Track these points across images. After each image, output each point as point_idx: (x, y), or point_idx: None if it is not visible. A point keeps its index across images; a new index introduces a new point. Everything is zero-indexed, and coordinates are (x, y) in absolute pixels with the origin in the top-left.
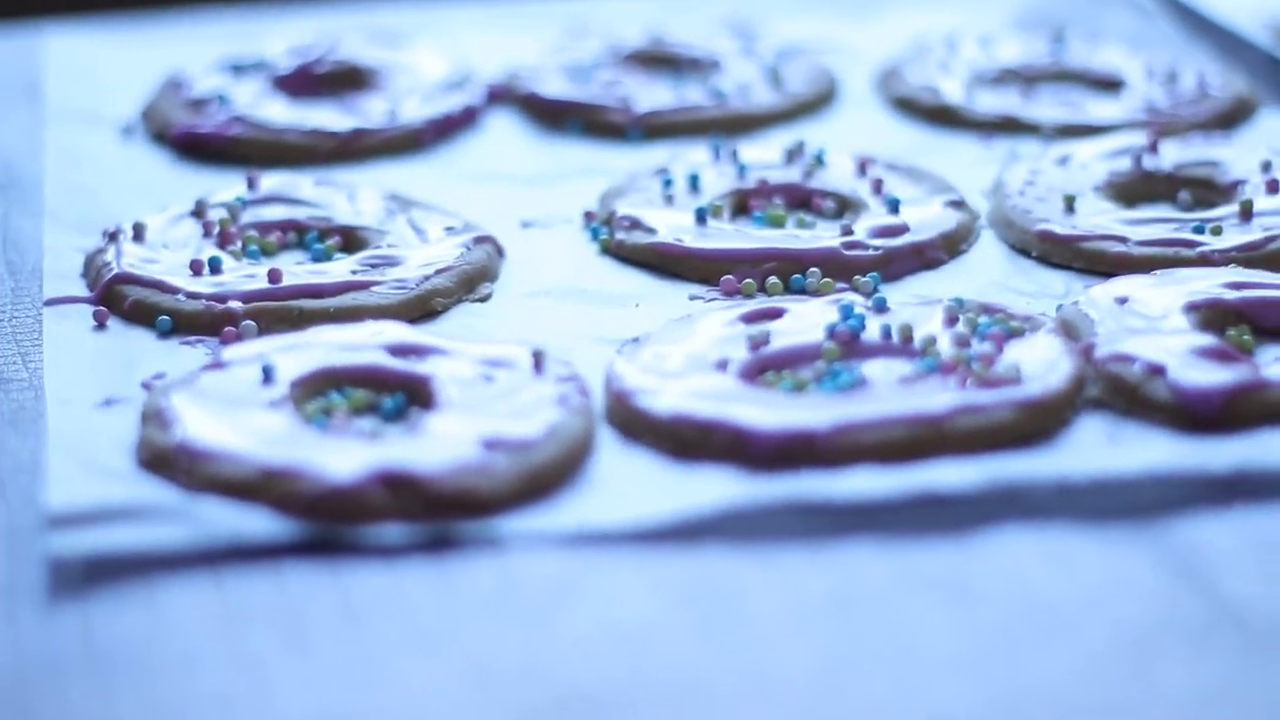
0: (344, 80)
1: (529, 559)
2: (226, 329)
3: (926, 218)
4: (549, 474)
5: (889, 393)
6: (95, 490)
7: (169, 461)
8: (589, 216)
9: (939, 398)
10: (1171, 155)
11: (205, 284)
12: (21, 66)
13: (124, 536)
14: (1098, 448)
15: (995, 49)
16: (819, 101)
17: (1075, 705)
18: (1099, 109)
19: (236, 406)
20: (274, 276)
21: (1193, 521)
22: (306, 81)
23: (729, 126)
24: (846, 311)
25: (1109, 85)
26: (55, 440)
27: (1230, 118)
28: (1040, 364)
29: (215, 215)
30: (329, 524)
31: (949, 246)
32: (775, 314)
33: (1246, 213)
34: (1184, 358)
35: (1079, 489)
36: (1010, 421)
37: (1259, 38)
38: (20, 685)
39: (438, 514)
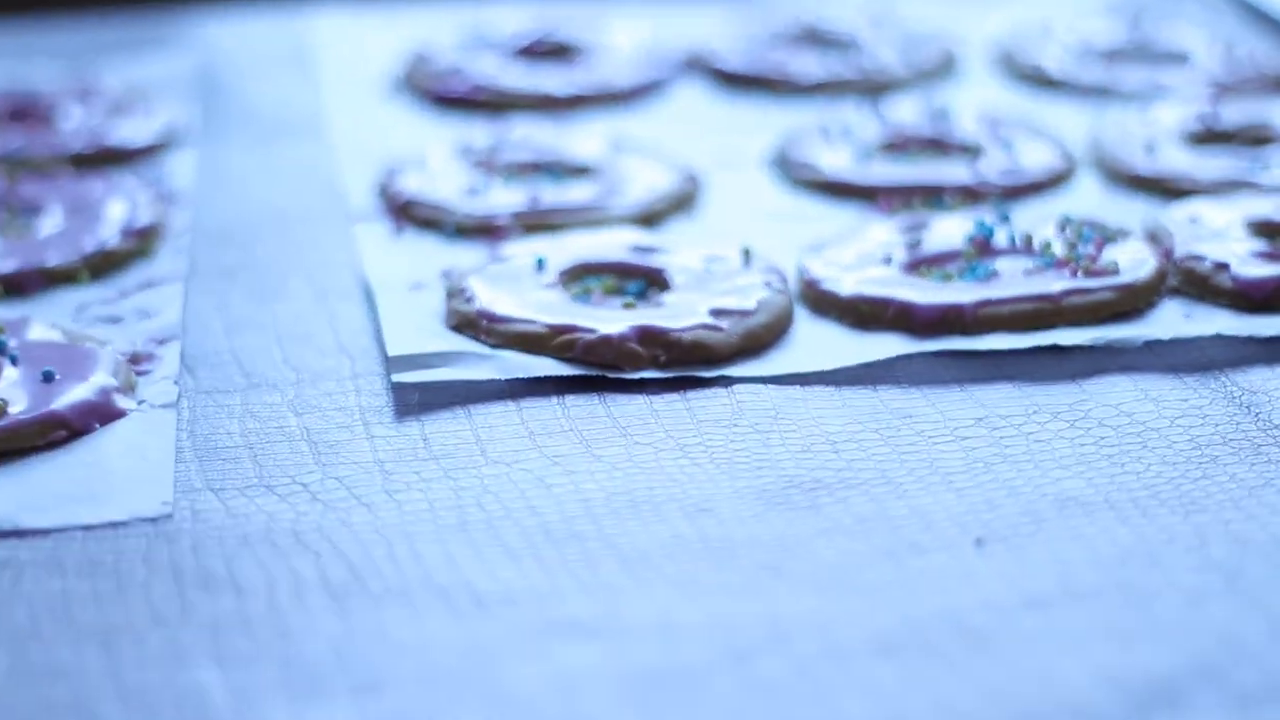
0: (562, 53)
1: (750, 392)
2: (498, 234)
3: (1037, 158)
4: (761, 335)
5: (1016, 281)
6: (420, 342)
7: (472, 323)
8: (770, 157)
9: (1055, 284)
10: (1230, 113)
11: (478, 203)
12: (295, 43)
13: (446, 374)
14: (1176, 321)
15: (1082, 30)
16: (941, 71)
17: (1161, 496)
18: (1171, 78)
19: (518, 286)
20: (533, 199)
21: (1247, 371)
22: (533, 53)
23: (871, 90)
24: (980, 223)
25: (1179, 59)
26: (384, 309)
27: (1278, 84)
28: (1132, 261)
29: (479, 153)
30: (598, 367)
31: (1055, 181)
32: (924, 225)
33: None
34: (1242, 257)
35: (1162, 346)
36: (1110, 301)
37: None
38: (382, 471)
39: (680, 363)
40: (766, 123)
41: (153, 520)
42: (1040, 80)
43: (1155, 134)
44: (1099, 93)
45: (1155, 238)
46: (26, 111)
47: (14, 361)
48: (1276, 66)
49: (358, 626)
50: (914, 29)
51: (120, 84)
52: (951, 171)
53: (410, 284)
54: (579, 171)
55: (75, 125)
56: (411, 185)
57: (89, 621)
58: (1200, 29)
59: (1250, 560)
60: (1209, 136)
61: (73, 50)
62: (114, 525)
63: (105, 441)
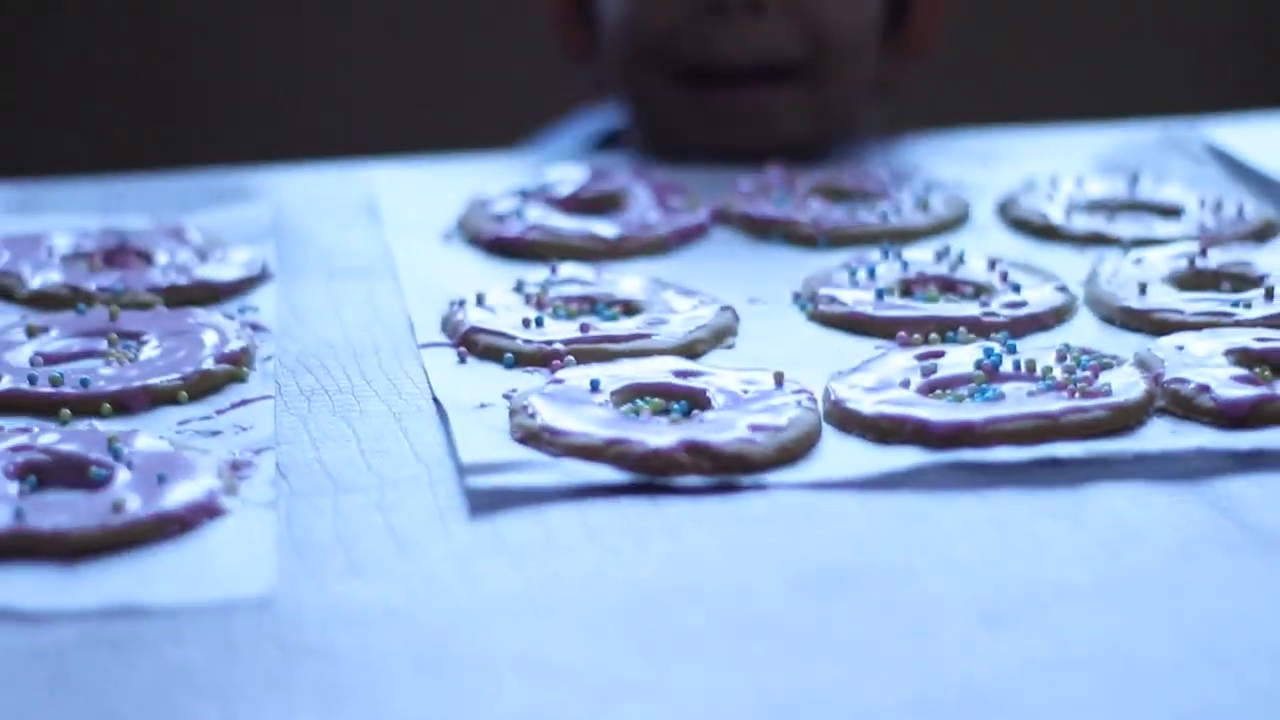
0: (604, 202)
1: (784, 495)
2: (554, 362)
3: (1040, 297)
4: (793, 448)
5: (1020, 401)
6: (490, 452)
7: (535, 436)
8: (797, 295)
9: (1055, 404)
10: (1216, 258)
11: (533, 334)
12: (361, 192)
13: (515, 479)
14: (1163, 436)
15: (1086, 186)
16: (956, 222)
17: (1148, 584)
18: (1163, 229)
19: (575, 404)
20: (584, 328)
21: (1226, 480)
22: (577, 203)
23: (892, 238)
24: (988, 352)
25: (1171, 212)
26: (455, 424)
27: (1261, 234)
28: (1124, 384)
29: (532, 290)
30: (649, 475)
31: (1056, 317)
32: (938, 355)
33: (1269, 294)
34: (1223, 381)
35: (1151, 459)
36: (1104, 419)
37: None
38: (459, 561)
39: (721, 471)
40: (795, 263)
41: (258, 601)
42: (1045, 230)
43: (1147, 276)
44: (1098, 241)
45: (1145, 365)
46: (122, 254)
47: (129, 466)
48: (1258, 219)
49: (444, 691)
50: (933, 183)
51: (206, 229)
52: (963, 309)
53: (476, 404)
54: (625, 307)
55: (166, 265)
56: (473, 317)
57: (207, 685)
58: (1192, 186)
59: (1227, 639)
60: (1196, 279)
61: (162, 202)
62: (224, 606)
63: (213, 535)
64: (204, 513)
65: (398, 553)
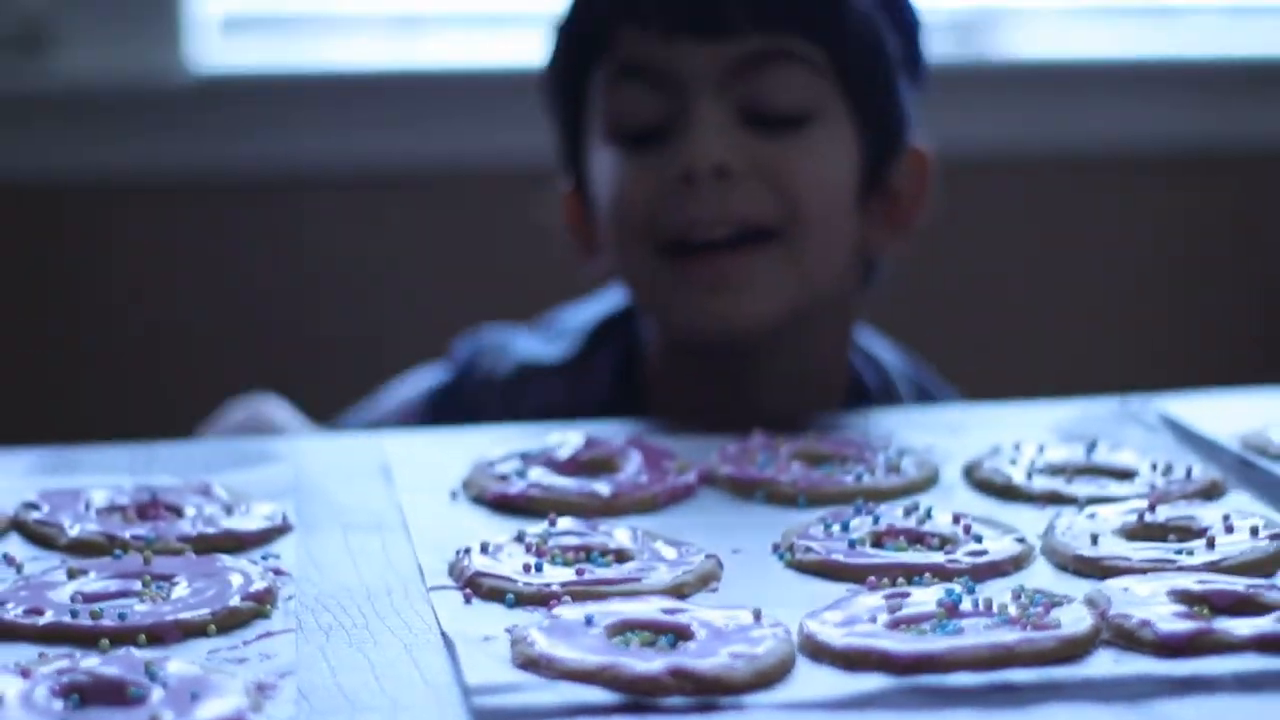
0: (600, 465)
1: (761, 715)
2: (552, 602)
3: (999, 547)
4: (769, 673)
5: (978, 634)
6: (494, 676)
7: (534, 662)
8: (776, 546)
9: (1009, 635)
10: (1164, 513)
11: (533, 577)
12: (374, 456)
13: (516, 700)
14: (1108, 664)
15: (1046, 452)
16: (926, 483)
17: None
18: (1117, 489)
19: (571, 636)
20: (579, 572)
21: (1165, 701)
22: (575, 465)
23: (866, 496)
24: (949, 592)
25: (1125, 475)
26: (461, 652)
27: (1207, 493)
28: (1073, 619)
29: (532, 540)
30: (637, 696)
31: (1014, 564)
32: (904, 595)
33: (1210, 544)
34: (1163, 616)
35: (1097, 684)
36: (1054, 649)
37: (1229, 444)
38: None
39: (704, 693)
40: (778, 521)
41: None
42: (1007, 490)
43: (1100, 529)
44: (1055, 500)
45: (1093, 603)
46: (154, 508)
47: (164, 686)
48: (1204, 480)
49: None
50: (905, 449)
51: (231, 487)
52: (929, 557)
53: (481, 636)
54: (618, 555)
55: (195, 517)
56: (477, 563)
57: None
58: (1145, 453)
59: None
60: (1145, 532)
61: (190, 466)
62: None
63: None
64: None
65: None
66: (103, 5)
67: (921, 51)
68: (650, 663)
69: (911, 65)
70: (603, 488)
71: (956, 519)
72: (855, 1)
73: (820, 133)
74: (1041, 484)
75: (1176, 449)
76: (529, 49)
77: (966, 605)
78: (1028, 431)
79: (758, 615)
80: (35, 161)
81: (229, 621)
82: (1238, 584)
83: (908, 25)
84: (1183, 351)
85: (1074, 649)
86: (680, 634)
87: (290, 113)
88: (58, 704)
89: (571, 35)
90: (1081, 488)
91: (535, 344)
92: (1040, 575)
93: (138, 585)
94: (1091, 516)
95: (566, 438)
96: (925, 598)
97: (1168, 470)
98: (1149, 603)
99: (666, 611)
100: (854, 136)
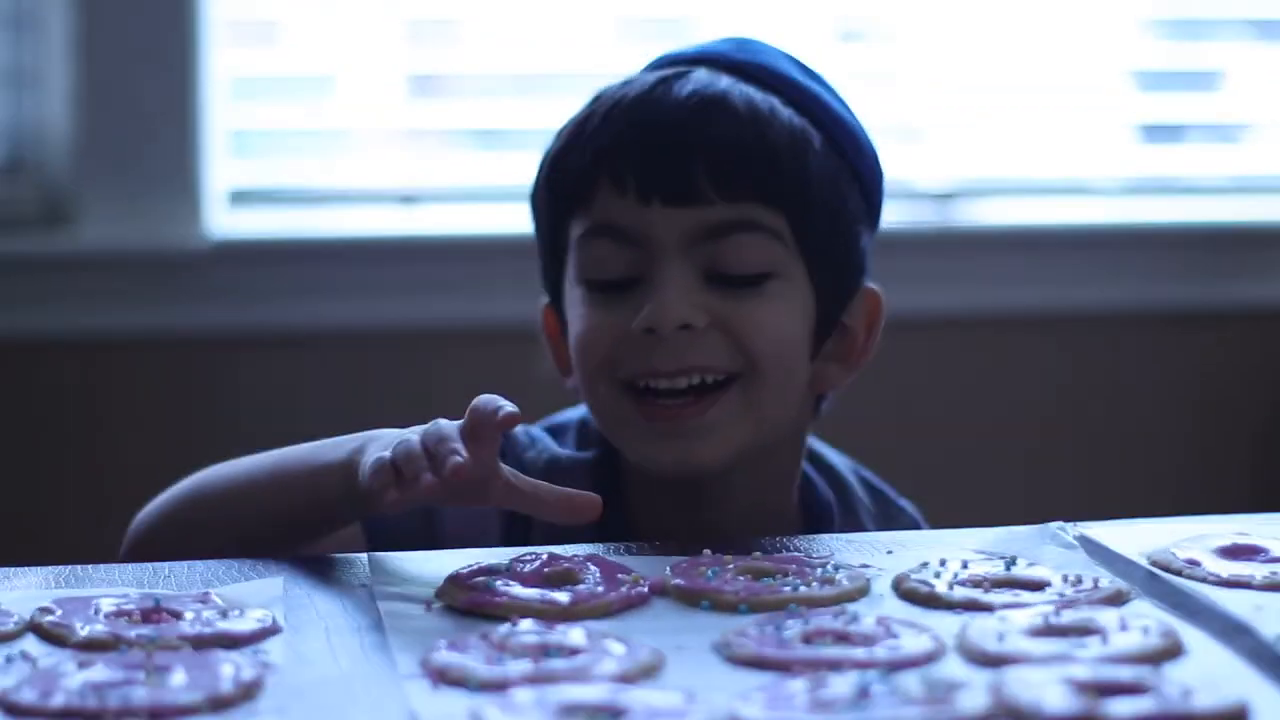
0: (561, 578)
1: None
2: (509, 687)
3: (915, 644)
4: None
5: (884, 713)
6: None
7: None
8: (716, 644)
9: (912, 713)
10: (1068, 617)
11: (495, 667)
12: (354, 573)
13: None
14: None
15: (970, 567)
16: (858, 593)
17: None
18: (1029, 598)
19: (523, 714)
20: (536, 664)
21: None
22: (539, 578)
23: (801, 603)
24: (864, 678)
25: (1039, 586)
26: None
27: (1111, 601)
28: (971, 700)
29: (496, 637)
30: None
31: (928, 659)
32: (824, 683)
33: (1104, 640)
34: (1054, 698)
35: None
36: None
37: (1138, 560)
38: None
39: None
40: (721, 624)
41: None
42: (929, 599)
43: (1007, 630)
44: (973, 607)
45: (993, 688)
46: (156, 613)
47: None
48: (1111, 589)
49: None
50: (840, 564)
51: (226, 596)
52: (850, 652)
53: (445, 714)
54: (572, 651)
55: (193, 619)
56: (444, 656)
57: None
58: (1059, 567)
59: None
60: (1048, 632)
61: (190, 581)
62: None
63: None
64: None
65: None
66: (123, 179)
67: (881, 201)
68: None
69: (871, 216)
70: (562, 596)
71: (880, 621)
72: (817, 170)
73: (777, 289)
74: (961, 593)
75: (1088, 564)
76: (521, 219)
77: (879, 690)
78: (955, 551)
79: (690, 696)
80: (62, 322)
81: (220, 704)
82: (1124, 673)
83: (869, 180)
84: (1118, 487)
85: None
86: (619, 713)
87: (299, 276)
88: None
89: (551, 186)
90: (997, 597)
91: (553, 442)
92: (951, 669)
93: (141, 675)
94: (1002, 619)
95: (532, 554)
96: (842, 685)
97: (1078, 581)
98: (1043, 687)
99: (609, 695)
100: (810, 289)
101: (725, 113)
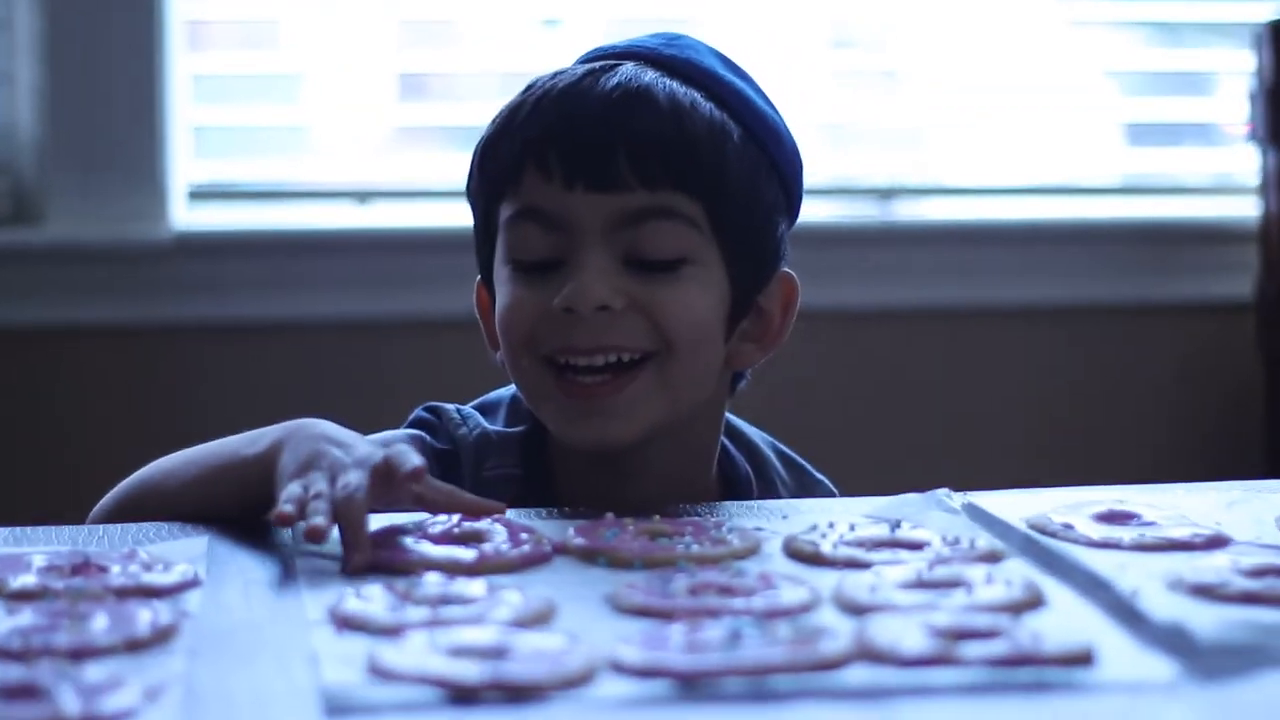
0: (469, 537)
1: (559, 707)
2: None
3: (793, 596)
4: (572, 678)
5: (752, 653)
6: (348, 678)
7: (384, 672)
8: (607, 596)
9: (778, 653)
10: (940, 573)
11: (395, 613)
12: (275, 534)
13: (365, 694)
14: (860, 676)
15: (856, 530)
16: (747, 552)
17: None
18: (908, 556)
19: (416, 653)
20: (434, 611)
21: (900, 702)
22: (448, 537)
23: (691, 560)
24: (736, 623)
25: (918, 546)
26: (324, 662)
27: (985, 559)
28: (834, 643)
29: (400, 588)
30: (461, 694)
31: (803, 610)
32: (700, 628)
33: (969, 592)
34: (912, 641)
35: (847, 689)
36: (813, 663)
37: (1016, 525)
38: None
39: (516, 695)
40: (615, 580)
41: None
42: (814, 558)
43: (880, 584)
44: (854, 565)
45: (858, 632)
46: (85, 568)
47: (75, 686)
48: (987, 548)
49: None
50: (734, 527)
51: (153, 553)
52: (730, 603)
53: (344, 654)
54: (472, 601)
55: (119, 573)
56: (350, 604)
57: None
58: (941, 530)
59: None
60: (919, 584)
61: (124, 540)
62: None
63: None
64: None
65: None
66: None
67: (800, 192)
68: (473, 670)
69: (790, 206)
70: (467, 554)
71: (762, 576)
72: (735, 161)
73: (692, 273)
74: (845, 553)
75: (969, 527)
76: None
77: (750, 634)
78: (845, 516)
79: (574, 639)
80: (31, 313)
81: (136, 646)
82: (982, 620)
83: (787, 172)
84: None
85: (831, 663)
86: (503, 653)
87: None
88: None
89: (483, 170)
90: (878, 556)
91: (484, 419)
92: (823, 618)
93: (65, 622)
94: (877, 574)
95: (445, 518)
96: (716, 630)
97: (955, 542)
98: (903, 631)
99: (497, 638)
100: (725, 274)
101: (647, 105)
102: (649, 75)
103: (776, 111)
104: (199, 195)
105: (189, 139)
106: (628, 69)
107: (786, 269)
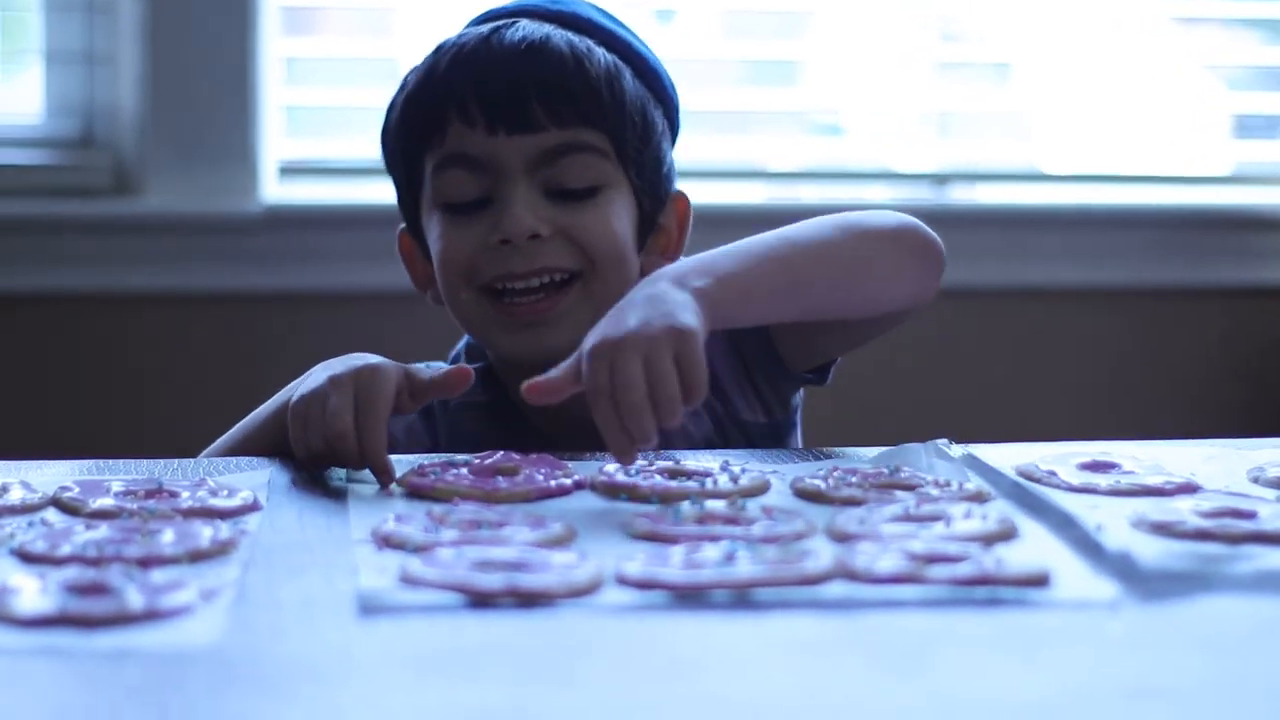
0: (505, 470)
1: (567, 611)
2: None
3: (788, 528)
4: (580, 588)
5: (741, 571)
6: (382, 583)
7: (413, 579)
8: (622, 524)
9: (763, 570)
10: (926, 509)
11: (429, 535)
12: (336, 472)
13: (396, 597)
14: (836, 590)
15: (861, 473)
16: (757, 490)
17: None
18: (902, 496)
19: (443, 566)
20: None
21: (870, 613)
22: (487, 469)
23: (704, 496)
24: (731, 546)
25: (912, 488)
26: (362, 571)
27: (972, 499)
28: (815, 562)
29: (437, 512)
30: (480, 599)
31: (797, 537)
32: (698, 549)
33: (947, 524)
34: (888, 562)
35: (821, 600)
36: (796, 578)
37: (1008, 474)
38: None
39: (529, 600)
40: (632, 511)
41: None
42: (816, 495)
43: (871, 519)
44: (851, 502)
45: (839, 555)
46: (158, 492)
47: (140, 586)
48: (974, 489)
49: None
50: (747, 469)
51: (221, 481)
52: (731, 531)
53: (381, 566)
54: (502, 525)
55: (188, 498)
56: (390, 526)
57: None
58: (940, 475)
59: None
60: (905, 518)
61: (196, 471)
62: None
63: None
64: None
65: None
66: (185, 151)
67: (678, 120)
68: (491, 579)
69: (672, 131)
70: (491, 484)
71: (765, 510)
72: (630, 97)
73: (607, 197)
74: (846, 492)
75: (961, 473)
76: None
77: (742, 555)
78: (849, 462)
79: (584, 556)
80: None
81: (198, 557)
82: (953, 547)
83: (668, 103)
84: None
85: (812, 579)
86: (520, 566)
87: (344, 240)
88: (61, 596)
89: (406, 125)
90: (875, 494)
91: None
92: (814, 545)
93: (137, 536)
94: (870, 509)
95: (494, 453)
96: (713, 551)
97: (946, 484)
98: (879, 554)
99: (517, 555)
100: (632, 196)
101: (552, 54)
102: (547, 28)
103: (653, 53)
104: (289, 171)
105: (280, 118)
106: (527, 24)
107: (678, 189)
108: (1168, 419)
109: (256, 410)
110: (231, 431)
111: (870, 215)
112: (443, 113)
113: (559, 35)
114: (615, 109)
